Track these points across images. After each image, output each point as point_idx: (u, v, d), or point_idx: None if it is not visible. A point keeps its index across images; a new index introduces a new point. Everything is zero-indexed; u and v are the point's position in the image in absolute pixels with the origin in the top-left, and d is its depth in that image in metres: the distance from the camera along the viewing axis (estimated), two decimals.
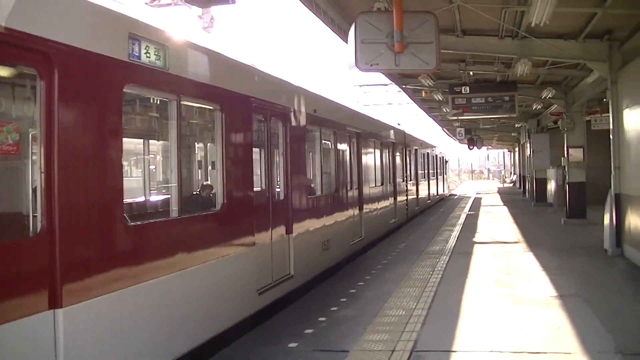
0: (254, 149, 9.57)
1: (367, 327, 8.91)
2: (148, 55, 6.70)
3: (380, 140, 20.45)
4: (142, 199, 11.32)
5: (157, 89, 7.29)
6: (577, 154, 22.39)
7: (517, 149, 55.81)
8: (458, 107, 21.80)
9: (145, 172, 12.19)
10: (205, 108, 8.96)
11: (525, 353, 7.57)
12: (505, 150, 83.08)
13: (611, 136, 15.09)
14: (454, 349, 7.80)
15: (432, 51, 9.06)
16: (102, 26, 6.14)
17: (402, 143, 25.02)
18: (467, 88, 21.40)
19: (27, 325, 4.98)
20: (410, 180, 27.15)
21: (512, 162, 72.50)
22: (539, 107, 26.43)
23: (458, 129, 36.93)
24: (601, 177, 18.35)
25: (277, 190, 10.91)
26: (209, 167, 12.04)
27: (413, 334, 8.44)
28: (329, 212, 13.59)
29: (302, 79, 12.52)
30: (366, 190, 17.45)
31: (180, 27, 8.05)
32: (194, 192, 10.97)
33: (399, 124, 26.18)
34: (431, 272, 12.99)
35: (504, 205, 34.95)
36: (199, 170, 12.74)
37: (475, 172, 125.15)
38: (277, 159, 10.96)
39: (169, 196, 8.07)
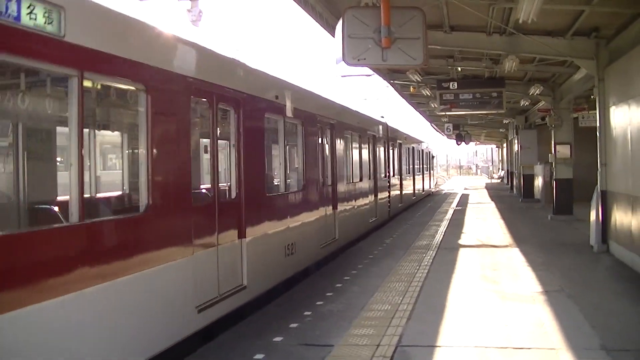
0: (195, 141, 8.71)
1: (352, 321, 8.91)
2: (33, 16, 5.36)
3: (358, 133, 18.96)
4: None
5: (47, 61, 5.77)
6: (564, 150, 22.49)
7: (505, 145, 55.94)
8: (446, 102, 21.81)
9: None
10: (126, 89, 7.36)
11: (510, 348, 7.60)
12: (494, 146, 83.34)
13: (598, 133, 15.16)
14: (438, 344, 7.81)
15: (419, 47, 9.08)
16: None
17: (383, 136, 23.58)
18: (455, 84, 21.48)
19: None
20: (394, 176, 25.91)
21: (500, 158, 72.70)
22: (527, 103, 26.52)
23: (446, 125, 37.07)
24: (588, 174, 18.42)
25: (227, 188, 9.77)
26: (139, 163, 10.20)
27: (398, 328, 8.45)
28: (295, 211, 12.27)
29: (269, 65, 11.38)
30: (341, 187, 16.17)
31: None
32: (121, 192, 9.58)
33: (382, 117, 24.98)
34: (418, 267, 13.01)
35: (492, 201, 35.05)
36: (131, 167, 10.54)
37: (464, 168, 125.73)
38: (227, 152, 9.74)
39: (87, 196, 7.03)
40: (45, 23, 5.49)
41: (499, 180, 67.69)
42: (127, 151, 9.55)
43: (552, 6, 11.93)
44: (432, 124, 47.56)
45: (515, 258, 14.15)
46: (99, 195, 9.18)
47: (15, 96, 6.66)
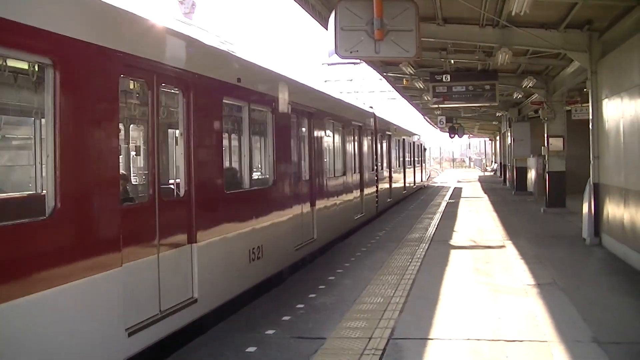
0: (129, 129, 7.83)
1: (344, 314, 8.91)
2: None
3: (341, 123, 17.47)
4: None
5: None
6: (557, 143, 22.51)
7: (498, 137, 56.07)
8: (439, 95, 21.81)
9: None
10: (28, 64, 6.01)
11: (502, 341, 7.60)
12: (487, 139, 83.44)
13: (590, 126, 15.18)
14: (431, 337, 7.82)
15: (412, 39, 9.08)
16: None
17: (371, 127, 22.08)
18: (448, 76, 21.47)
19: None
20: (382, 169, 24.68)
21: (493, 151, 72.84)
22: (520, 96, 26.55)
23: (439, 117, 37.05)
24: (581, 167, 18.47)
25: (174, 184, 8.67)
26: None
27: (391, 321, 8.45)
28: (263, 210, 10.77)
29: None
30: (321, 181, 14.74)
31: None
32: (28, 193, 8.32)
33: (371, 107, 24.14)
34: (410, 260, 13.02)
35: (485, 193, 35.10)
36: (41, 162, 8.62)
37: (457, 161, 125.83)
38: (173, 143, 8.81)
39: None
40: None
41: (492, 173, 67.87)
42: (35, 143, 8.36)
43: None
44: (425, 117, 47.57)
45: (507, 251, 14.17)
46: None
47: None
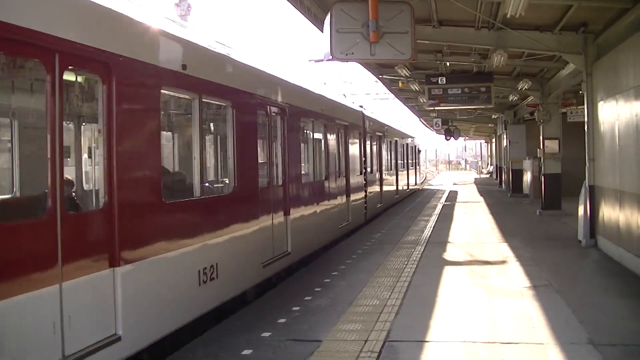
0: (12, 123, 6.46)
1: (340, 316, 8.89)
2: None
3: (323, 122, 15.71)
4: None
5: None
6: (552, 145, 22.56)
7: (493, 140, 56.10)
8: (434, 97, 21.81)
9: None
10: None
11: (498, 343, 7.60)
12: (482, 141, 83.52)
13: (586, 128, 15.21)
14: (427, 339, 7.81)
15: (407, 41, 9.07)
16: None
17: (359, 127, 20.54)
18: (444, 79, 21.49)
19: None
20: (372, 172, 22.80)
21: (489, 153, 72.89)
22: (516, 98, 26.59)
23: (435, 120, 37.04)
24: (576, 169, 18.48)
25: (88, 194, 7.31)
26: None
27: (386, 323, 8.44)
28: (218, 223, 9.02)
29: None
30: (297, 187, 13.04)
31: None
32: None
33: (361, 106, 22.98)
34: (406, 262, 13.01)
35: (480, 196, 35.14)
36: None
37: (453, 163, 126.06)
38: (87, 142, 7.44)
39: None
40: None
41: (487, 176, 67.86)
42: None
43: (540, 1, 11.97)
44: (421, 119, 47.59)
45: (503, 253, 14.17)
46: None
47: None
